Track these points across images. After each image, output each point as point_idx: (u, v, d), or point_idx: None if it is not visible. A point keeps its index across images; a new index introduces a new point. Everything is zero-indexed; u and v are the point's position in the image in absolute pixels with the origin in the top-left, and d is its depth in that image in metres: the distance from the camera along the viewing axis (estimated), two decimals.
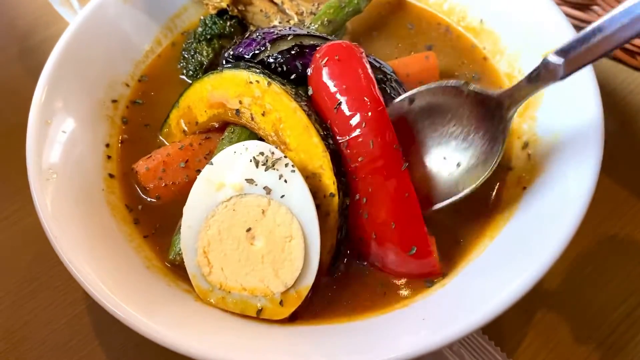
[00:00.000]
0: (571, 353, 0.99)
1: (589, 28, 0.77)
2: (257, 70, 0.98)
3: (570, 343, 1.00)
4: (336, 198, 0.89)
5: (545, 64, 0.83)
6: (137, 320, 0.81)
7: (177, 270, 0.95)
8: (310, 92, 0.96)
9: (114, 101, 1.14)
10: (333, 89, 0.93)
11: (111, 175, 1.05)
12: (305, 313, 0.91)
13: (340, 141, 0.92)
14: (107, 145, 1.09)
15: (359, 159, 0.90)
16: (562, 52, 0.80)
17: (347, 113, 0.91)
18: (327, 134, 0.93)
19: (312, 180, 0.91)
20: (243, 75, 0.98)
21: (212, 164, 0.90)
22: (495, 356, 0.96)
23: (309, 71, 0.97)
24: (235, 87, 0.99)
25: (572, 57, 0.79)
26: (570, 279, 1.06)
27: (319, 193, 0.91)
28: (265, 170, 0.88)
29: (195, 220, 0.89)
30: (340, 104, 0.92)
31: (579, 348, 0.99)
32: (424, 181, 0.97)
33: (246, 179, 0.88)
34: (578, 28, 1.26)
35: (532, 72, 0.85)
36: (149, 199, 1.04)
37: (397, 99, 0.98)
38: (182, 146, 1.04)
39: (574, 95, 0.98)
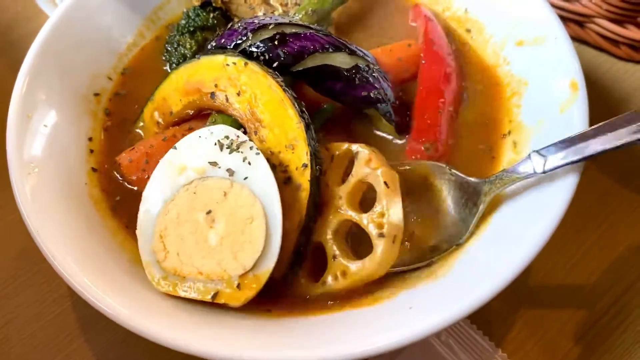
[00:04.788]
0: (559, 341, 1.00)
1: (573, 134, 0.90)
2: (235, 54, 0.98)
3: (557, 331, 1.01)
4: (308, 168, 0.89)
5: (528, 160, 0.90)
6: (122, 315, 0.80)
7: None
8: None
9: (97, 94, 1.13)
10: None
11: (94, 169, 1.04)
12: (285, 305, 0.90)
13: None
14: (90, 139, 1.07)
15: None
16: (546, 150, 0.90)
17: None
18: (302, 110, 0.94)
19: (285, 154, 0.91)
20: (219, 59, 0.98)
21: (175, 148, 0.90)
22: (484, 345, 0.96)
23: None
24: (211, 72, 0.99)
25: (553, 158, 0.88)
26: (556, 268, 1.07)
27: (291, 166, 0.91)
28: (230, 153, 0.88)
29: (154, 204, 0.89)
30: None
31: (567, 336, 1.00)
32: None
33: (209, 162, 0.88)
34: (562, 18, 1.28)
35: (516, 165, 0.92)
36: (134, 188, 1.03)
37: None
38: (166, 137, 1.03)
39: (558, 84, 0.99)
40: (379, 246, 0.87)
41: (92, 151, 1.06)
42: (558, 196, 0.87)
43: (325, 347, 0.79)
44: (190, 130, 1.03)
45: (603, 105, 1.26)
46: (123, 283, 0.86)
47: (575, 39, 1.33)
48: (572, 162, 0.87)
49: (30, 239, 0.87)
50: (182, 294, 0.86)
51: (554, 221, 0.85)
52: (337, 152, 0.96)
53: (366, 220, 0.90)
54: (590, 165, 1.16)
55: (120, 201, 1.01)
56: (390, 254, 0.88)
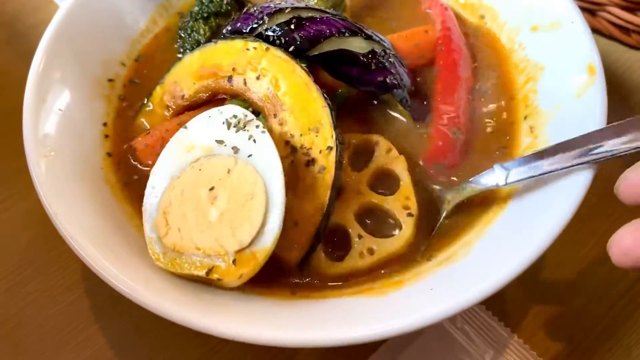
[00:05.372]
0: (574, 327, 0.99)
1: (535, 151, 0.91)
2: (254, 39, 0.99)
3: (573, 317, 1.00)
4: (333, 151, 0.89)
5: (492, 172, 0.93)
6: (143, 297, 0.79)
7: None
8: None
9: (110, 80, 1.13)
10: None
11: (109, 154, 1.04)
12: (305, 287, 0.90)
13: None
14: (105, 124, 1.07)
15: None
16: (509, 164, 0.92)
17: None
18: (325, 95, 0.94)
19: (308, 137, 0.91)
20: (238, 44, 0.99)
21: (186, 127, 0.91)
22: (499, 331, 0.96)
23: None
24: (229, 56, 0.99)
25: (515, 171, 0.91)
26: (571, 254, 1.06)
27: (314, 149, 0.90)
28: (236, 132, 0.88)
29: (160, 181, 0.89)
30: None
31: (582, 322, 1.00)
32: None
33: (216, 140, 0.88)
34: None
35: (479, 177, 0.94)
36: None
37: None
38: (181, 122, 1.01)
39: (576, 68, 0.99)
40: (409, 225, 0.94)
41: (107, 136, 1.06)
42: (574, 186, 0.87)
43: (344, 329, 0.78)
44: None
45: (613, 94, 1.24)
46: (142, 266, 0.86)
47: None
48: (531, 177, 0.89)
49: (40, 227, 0.87)
50: (178, 270, 0.85)
51: (570, 209, 0.85)
52: (355, 140, 1.02)
53: (391, 203, 0.96)
54: None
55: (136, 186, 1.01)
56: (414, 232, 0.95)
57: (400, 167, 0.99)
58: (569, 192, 0.87)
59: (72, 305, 1.02)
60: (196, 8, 1.16)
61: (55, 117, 0.98)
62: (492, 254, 0.88)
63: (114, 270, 0.81)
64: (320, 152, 0.90)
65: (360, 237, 0.93)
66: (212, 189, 0.86)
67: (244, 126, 0.88)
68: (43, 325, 1.00)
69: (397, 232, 0.95)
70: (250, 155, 0.86)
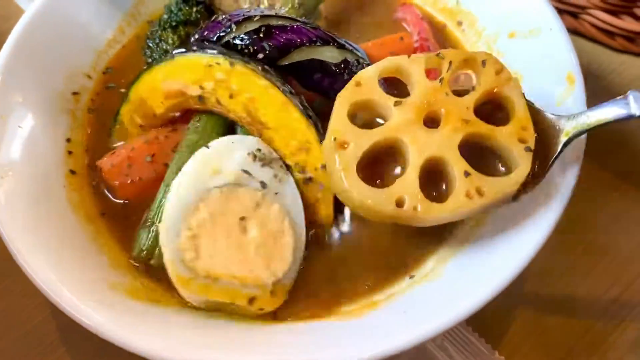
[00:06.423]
0: (556, 342, 0.97)
1: None
2: (215, 51, 0.95)
3: (555, 332, 0.98)
4: None
5: (625, 99, 0.80)
6: (106, 329, 0.77)
7: (143, 267, 0.92)
8: None
9: (75, 93, 1.09)
10: None
11: (72, 172, 1.00)
12: (283, 311, 0.88)
13: None
14: (68, 140, 1.03)
15: None
16: None
17: None
18: (306, 107, 0.94)
19: (299, 156, 0.92)
20: (200, 59, 0.96)
21: (208, 147, 0.90)
22: (480, 348, 0.94)
23: None
24: (192, 73, 0.96)
25: None
26: (553, 268, 1.04)
27: (308, 166, 0.92)
28: (262, 166, 0.90)
29: (183, 199, 0.86)
30: None
31: (564, 337, 0.98)
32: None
33: (243, 170, 0.89)
34: (556, 10, 1.26)
35: (607, 104, 0.83)
36: (115, 200, 1.00)
37: None
38: (147, 140, 0.99)
39: (555, 77, 0.97)
40: (526, 161, 0.81)
41: (70, 152, 1.02)
42: (555, 196, 0.85)
43: (318, 353, 0.77)
44: (174, 131, 1.01)
45: (598, 98, 1.23)
46: (104, 291, 0.83)
47: (569, 30, 1.28)
48: None
49: (4, 246, 0.84)
50: (212, 297, 0.84)
51: (551, 221, 0.83)
52: (455, 59, 0.87)
53: (505, 134, 0.83)
54: (586, 161, 1.13)
55: (100, 204, 0.98)
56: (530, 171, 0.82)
57: (514, 91, 0.85)
58: (549, 204, 0.84)
59: (41, 325, 1.00)
60: (165, 16, 1.13)
61: (15, 134, 0.94)
62: (468, 273, 0.86)
63: (75, 300, 0.79)
64: (315, 169, 0.92)
65: (467, 174, 0.80)
66: (242, 218, 0.86)
67: (270, 162, 0.91)
68: (11, 346, 0.98)
69: (504, 170, 0.84)
70: (277, 193, 0.89)
